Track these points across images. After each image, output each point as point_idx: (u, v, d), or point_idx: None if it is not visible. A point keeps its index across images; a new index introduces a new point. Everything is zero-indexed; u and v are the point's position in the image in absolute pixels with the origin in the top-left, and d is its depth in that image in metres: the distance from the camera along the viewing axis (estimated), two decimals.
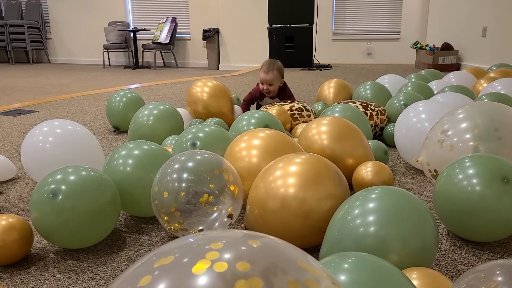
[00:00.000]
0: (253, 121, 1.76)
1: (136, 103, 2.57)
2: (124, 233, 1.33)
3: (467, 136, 1.37)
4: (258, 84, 2.69)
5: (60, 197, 1.13)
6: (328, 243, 1.01)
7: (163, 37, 7.69)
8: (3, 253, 1.11)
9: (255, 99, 2.76)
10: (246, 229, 1.27)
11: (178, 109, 2.66)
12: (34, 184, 1.73)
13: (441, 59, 5.36)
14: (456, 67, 5.21)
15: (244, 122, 1.77)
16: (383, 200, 0.99)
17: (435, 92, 2.62)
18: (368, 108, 2.24)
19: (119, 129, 2.57)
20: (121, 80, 5.63)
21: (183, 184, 1.15)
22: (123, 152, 1.35)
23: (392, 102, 2.38)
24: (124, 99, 2.54)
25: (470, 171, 1.16)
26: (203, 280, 0.45)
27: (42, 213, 1.14)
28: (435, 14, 6.45)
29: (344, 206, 1.04)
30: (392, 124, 2.22)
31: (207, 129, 1.60)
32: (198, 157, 1.20)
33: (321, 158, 1.23)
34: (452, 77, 2.98)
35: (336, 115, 1.94)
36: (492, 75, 2.90)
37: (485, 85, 2.70)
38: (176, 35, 7.96)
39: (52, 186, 1.15)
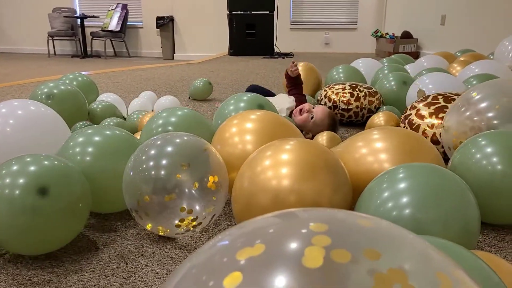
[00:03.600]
0: (242, 104, 1.53)
1: (89, 88, 2.29)
2: (96, 231, 1.15)
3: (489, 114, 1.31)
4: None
5: (17, 192, 0.90)
6: None
7: (114, 25, 7.30)
8: None
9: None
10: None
11: (145, 92, 2.46)
12: None
13: (402, 47, 5.42)
14: (416, 55, 5.29)
15: (232, 107, 1.55)
16: (415, 178, 0.88)
17: (412, 75, 2.59)
18: (356, 89, 2.15)
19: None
20: (70, 69, 5.25)
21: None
22: (80, 139, 1.13)
23: (382, 84, 2.32)
24: (74, 83, 2.27)
25: (489, 149, 1.09)
26: (323, 275, 0.32)
27: None
28: (393, 3, 6.54)
29: (368, 190, 0.92)
30: (384, 106, 2.15)
31: (179, 112, 1.38)
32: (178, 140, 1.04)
33: (315, 144, 1.07)
34: (424, 61, 2.96)
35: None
36: (462, 58, 2.91)
37: (458, 68, 2.70)
38: (128, 23, 7.57)
39: (7, 180, 0.91)
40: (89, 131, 1.16)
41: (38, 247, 0.96)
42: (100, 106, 2.03)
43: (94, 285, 0.89)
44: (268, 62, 5.34)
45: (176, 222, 0.98)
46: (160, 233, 1.03)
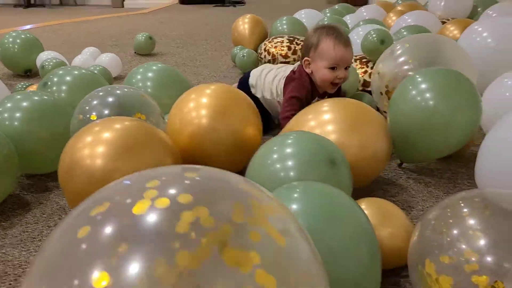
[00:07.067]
0: (150, 74, 1.51)
1: (33, 45, 2.37)
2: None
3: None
4: (304, 72, 1.43)
5: None
6: None
7: None
8: None
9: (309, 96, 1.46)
10: None
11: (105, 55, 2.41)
12: None
13: None
14: (365, 0, 5.33)
15: (139, 77, 1.51)
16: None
17: (350, 26, 2.68)
18: (294, 42, 2.23)
19: (32, 71, 2.37)
20: (13, 21, 5.00)
21: None
22: (9, 105, 1.19)
23: None
24: (18, 40, 2.32)
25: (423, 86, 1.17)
26: (147, 219, 0.43)
27: None
28: None
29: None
30: None
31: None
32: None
33: None
34: (364, 11, 3.04)
35: None
36: (399, 8, 3.00)
37: (394, 18, 2.80)
38: None
39: None
40: (18, 96, 1.22)
41: None
42: (51, 63, 2.10)
43: (38, 234, 1.01)
44: (219, 11, 5.28)
45: None
46: None
